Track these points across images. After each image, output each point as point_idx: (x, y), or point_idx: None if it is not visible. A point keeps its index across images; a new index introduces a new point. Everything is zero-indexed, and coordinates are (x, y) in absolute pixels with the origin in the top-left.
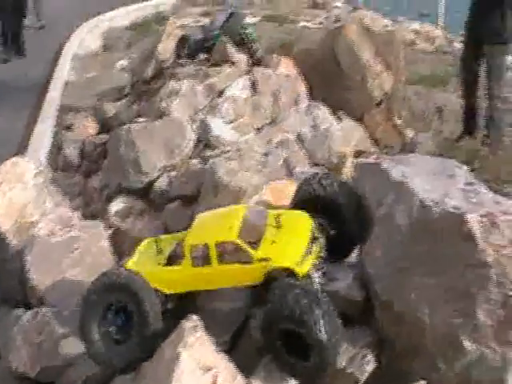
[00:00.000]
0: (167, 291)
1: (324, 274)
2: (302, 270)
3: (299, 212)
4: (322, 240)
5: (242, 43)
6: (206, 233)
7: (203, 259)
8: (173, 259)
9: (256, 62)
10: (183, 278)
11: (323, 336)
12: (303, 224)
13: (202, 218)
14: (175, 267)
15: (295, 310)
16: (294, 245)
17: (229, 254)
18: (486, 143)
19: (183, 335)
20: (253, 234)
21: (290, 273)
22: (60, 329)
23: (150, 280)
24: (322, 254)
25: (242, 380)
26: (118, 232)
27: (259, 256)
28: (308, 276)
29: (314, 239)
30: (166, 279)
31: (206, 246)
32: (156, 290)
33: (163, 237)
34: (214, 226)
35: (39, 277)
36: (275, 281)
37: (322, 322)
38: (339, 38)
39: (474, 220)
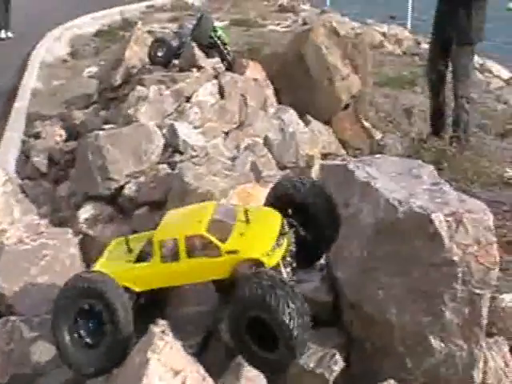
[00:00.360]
0: (137, 289)
1: (294, 269)
2: (270, 261)
3: (268, 208)
4: (292, 234)
5: (213, 46)
6: (175, 228)
7: (172, 255)
8: (143, 257)
9: (228, 65)
10: (152, 275)
11: (290, 322)
12: (272, 219)
13: (171, 214)
14: (144, 264)
15: (262, 296)
16: (262, 237)
17: (198, 249)
18: (453, 143)
19: (152, 340)
20: (222, 229)
21: (258, 264)
22: (30, 336)
23: (119, 278)
24: (291, 248)
25: (212, 382)
26: (87, 239)
27: (227, 248)
28: (277, 268)
29: (283, 233)
30: (136, 276)
31: (175, 240)
32: (126, 289)
33: (133, 236)
34: (183, 221)
35: (8, 285)
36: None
37: (288, 308)
38: (307, 41)
39: (439, 219)
